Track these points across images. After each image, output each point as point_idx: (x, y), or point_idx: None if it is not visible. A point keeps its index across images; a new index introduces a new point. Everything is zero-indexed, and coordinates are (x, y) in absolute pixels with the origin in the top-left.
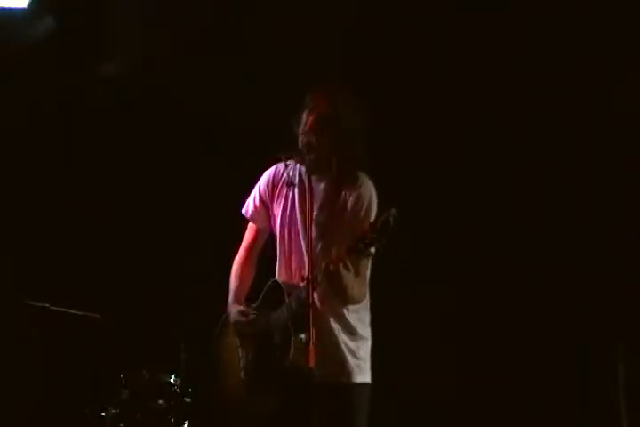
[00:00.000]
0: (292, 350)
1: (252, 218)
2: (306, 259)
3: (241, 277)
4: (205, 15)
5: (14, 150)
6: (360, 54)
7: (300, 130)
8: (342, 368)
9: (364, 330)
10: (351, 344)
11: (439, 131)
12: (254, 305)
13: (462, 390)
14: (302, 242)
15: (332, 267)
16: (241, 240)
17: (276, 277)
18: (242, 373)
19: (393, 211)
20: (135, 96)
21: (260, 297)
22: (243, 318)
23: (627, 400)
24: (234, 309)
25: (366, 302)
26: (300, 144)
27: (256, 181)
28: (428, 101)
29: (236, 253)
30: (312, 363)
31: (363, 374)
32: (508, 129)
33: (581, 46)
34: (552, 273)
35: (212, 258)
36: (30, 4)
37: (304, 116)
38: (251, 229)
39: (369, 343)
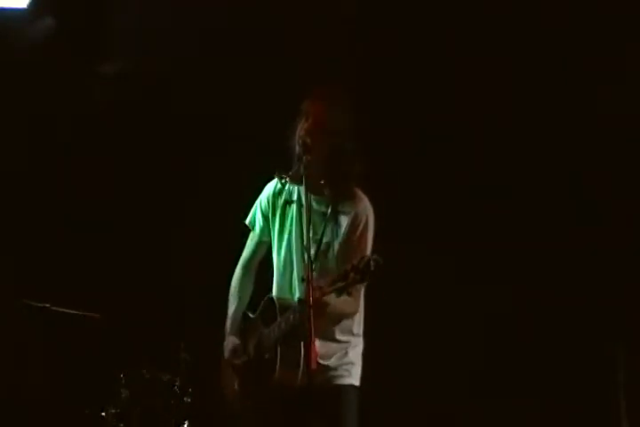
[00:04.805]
0: (278, 368)
1: (256, 230)
2: (300, 275)
3: (239, 298)
4: (205, 15)
5: (14, 151)
6: (357, 55)
7: (297, 133)
8: (329, 371)
9: (352, 336)
10: (337, 347)
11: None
12: (251, 317)
13: (461, 389)
14: (299, 259)
15: (317, 296)
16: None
17: (273, 291)
18: (235, 384)
19: (375, 256)
20: (135, 96)
21: (257, 313)
22: (235, 360)
23: (627, 400)
24: (230, 344)
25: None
26: (297, 146)
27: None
28: (422, 104)
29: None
30: (314, 365)
31: (350, 378)
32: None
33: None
34: (552, 273)
35: (211, 258)
36: (30, 4)
37: (300, 123)
38: (251, 242)
39: (358, 348)
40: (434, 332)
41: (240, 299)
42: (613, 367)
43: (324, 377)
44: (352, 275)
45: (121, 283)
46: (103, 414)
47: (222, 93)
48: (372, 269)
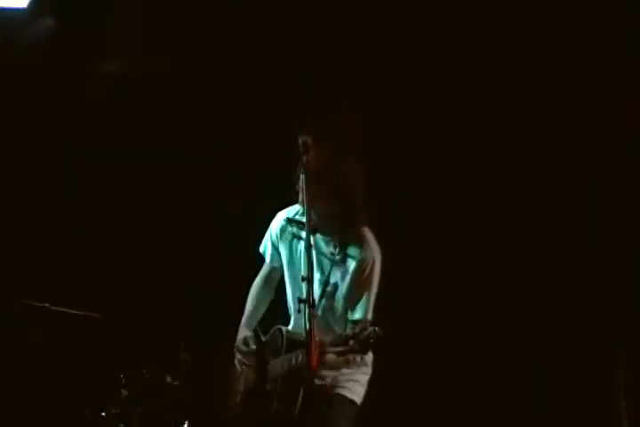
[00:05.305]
0: (276, 401)
1: (268, 258)
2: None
3: (256, 303)
4: (205, 15)
5: (14, 151)
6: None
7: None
8: (336, 382)
9: (361, 366)
10: (345, 371)
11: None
12: (260, 339)
13: (460, 388)
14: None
15: (318, 356)
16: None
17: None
18: (238, 398)
19: (378, 329)
20: (135, 96)
21: (266, 338)
22: (243, 348)
23: (627, 400)
24: (241, 334)
25: None
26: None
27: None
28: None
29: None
30: (314, 364)
31: (351, 393)
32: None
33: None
34: (553, 274)
35: (211, 258)
36: (30, 4)
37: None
38: (265, 267)
39: (366, 374)
40: (434, 332)
41: (257, 305)
42: (613, 367)
43: (327, 386)
44: (351, 343)
45: (121, 283)
46: (103, 414)
47: (222, 93)
48: (372, 341)
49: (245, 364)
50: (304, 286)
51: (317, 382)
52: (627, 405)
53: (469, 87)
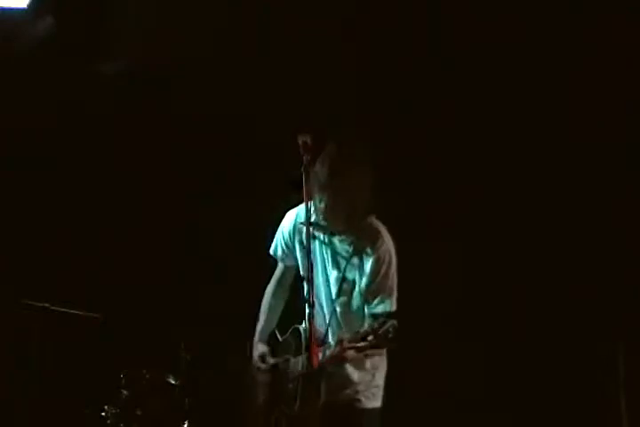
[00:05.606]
0: (299, 401)
1: (280, 258)
2: (326, 311)
3: (269, 313)
4: (205, 15)
5: (14, 151)
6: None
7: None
8: (356, 395)
9: (379, 358)
10: (365, 375)
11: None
12: (279, 340)
13: (459, 387)
14: (327, 295)
15: (337, 352)
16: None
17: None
18: (261, 398)
19: (395, 322)
20: (135, 96)
21: (285, 337)
22: (262, 365)
23: (626, 399)
24: (256, 351)
25: None
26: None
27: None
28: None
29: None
30: (315, 363)
31: (374, 400)
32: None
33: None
34: (552, 273)
35: (211, 258)
36: (30, 4)
37: None
38: (278, 268)
39: (384, 370)
40: (433, 331)
41: (269, 315)
42: (613, 367)
43: (351, 399)
44: (370, 338)
45: (121, 283)
46: (103, 414)
47: (222, 93)
48: (390, 335)
49: (263, 378)
50: (303, 285)
51: (338, 385)
52: (627, 403)
53: (470, 87)
